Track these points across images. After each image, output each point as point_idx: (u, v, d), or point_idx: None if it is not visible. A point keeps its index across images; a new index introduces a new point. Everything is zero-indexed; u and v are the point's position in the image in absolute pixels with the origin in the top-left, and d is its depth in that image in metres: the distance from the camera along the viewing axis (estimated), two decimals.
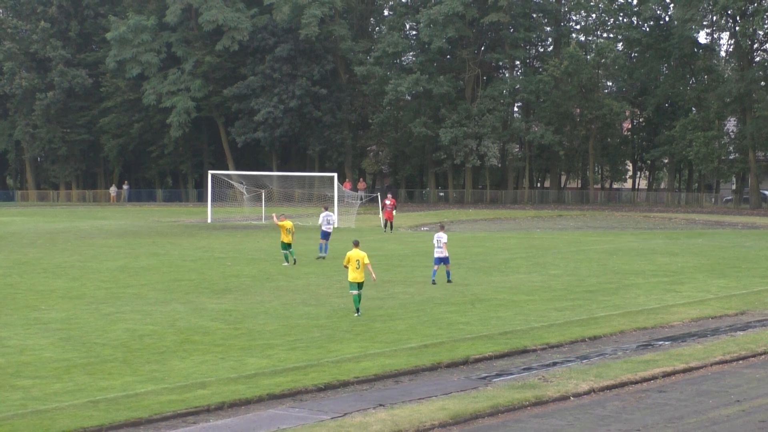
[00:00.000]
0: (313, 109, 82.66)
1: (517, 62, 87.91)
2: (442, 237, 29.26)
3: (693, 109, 79.41)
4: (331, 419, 14.71)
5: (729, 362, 18.92)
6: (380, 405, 15.49)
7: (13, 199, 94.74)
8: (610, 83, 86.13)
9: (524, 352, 19.55)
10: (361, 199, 68.96)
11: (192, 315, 23.50)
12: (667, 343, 20.63)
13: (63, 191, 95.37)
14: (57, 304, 25.36)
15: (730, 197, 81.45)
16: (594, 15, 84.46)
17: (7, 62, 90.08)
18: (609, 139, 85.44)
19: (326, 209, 38.79)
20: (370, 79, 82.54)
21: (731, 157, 77.59)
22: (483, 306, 24.77)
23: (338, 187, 59.77)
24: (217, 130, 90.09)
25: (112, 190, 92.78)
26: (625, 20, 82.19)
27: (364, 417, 14.77)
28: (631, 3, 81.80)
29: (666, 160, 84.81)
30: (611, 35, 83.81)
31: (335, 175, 60.89)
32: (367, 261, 23.52)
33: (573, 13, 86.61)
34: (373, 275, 24.32)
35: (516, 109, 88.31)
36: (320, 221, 37.56)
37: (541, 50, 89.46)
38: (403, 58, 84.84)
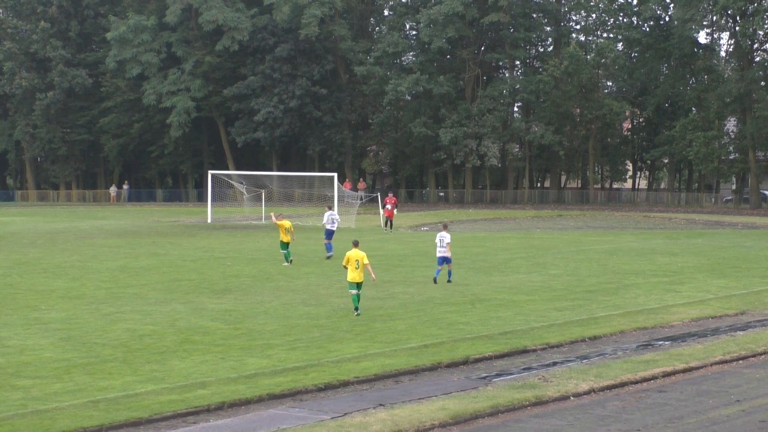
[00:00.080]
0: (313, 109, 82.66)
1: (517, 62, 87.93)
2: (445, 237, 29.25)
3: (693, 109, 79.42)
4: (331, 419, 14.71)
5: (729, 362, 18.92)
6: (380, 405, 15.49)
7: (13, 199, 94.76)
8: (610, 83, 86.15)
9: (524, 352, 19.55)
10: (361, 199, 68.96)
11: (192, 315, 23.51)
12: (667, 343, 20.63)
13: (63, 191, 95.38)
14: (57, 304, 25.36)
15: (730, 197, 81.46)
16: (594, 15, 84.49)
17: (7, 62, 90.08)
18: (609, 139, 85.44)
19: (330, 209, 39.12)
20: (370, 79, 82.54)
21: (731, 157, 77.60)
22: (483, 306, 24.77)
23: (338, 187, 59.80)
24: (217, 130, 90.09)
25: (112, 190, 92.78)
26: (625, 20, 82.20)
27: (364, 417, 14.77)
28: (631, 3, 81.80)
29: (666, 160, 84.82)
30: (611, 35, 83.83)
31: (335, 175, 60.93)
32: (366, 261, 23.53)
33: (573, 13, 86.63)
34: (373, 276, 24.33)
35: (516, 109, 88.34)
36: (325, 220, 37.73)
37: (541, 50, 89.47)
38: (403, 58, 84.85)
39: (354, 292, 23.44)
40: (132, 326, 21.92)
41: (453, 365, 18.35)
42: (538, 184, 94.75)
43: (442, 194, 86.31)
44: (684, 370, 18.09)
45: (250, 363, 18.10)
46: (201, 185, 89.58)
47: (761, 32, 73.01)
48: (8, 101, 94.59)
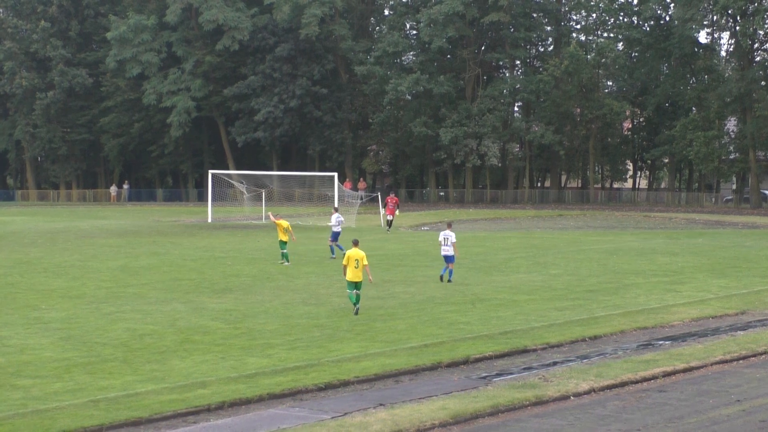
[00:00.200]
0: (313, 108, 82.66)
1: (518, 62, 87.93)
2: (450, 235, 29.26)
3: (693, 108, 79.44)
4: (332, 419, 14.71)
5: (729, 362, 18.90)
6: (380, 404, 15.49)
7: (14, 198, 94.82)
8: (611, 83, 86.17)
9: (524, 351, 19.54)
10: (362, 198, 68.98)
11: (192, 314, 23.50)
12: (667, 342, 20.62)
13: (63, 191, 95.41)
14: (57, 303, 25.35)
15: (730, 197, 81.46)
16: (594, 15, 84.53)
17: (8, 62, 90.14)
18: (609, 139, 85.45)
19: (336, 210, 39.37)
20: (370, 78, 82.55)
21: (731, 156, 77.61)
22: (483, 306, 24.77)
23: (338, 187, 59.80)
24: (217, 130, 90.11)
25: (113, 189, 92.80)
26: (625, 20, 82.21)
27: (364, 416, 14.77)
28: (631, 3, 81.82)
29: (666, 160, 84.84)
30: (611, 35, 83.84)
31: (335, 174, 60.94)
32: (366, 262, 23.52)
33: (573, 12, 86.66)
34: (370, 277, 24.31)
35: (516, 108, 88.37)
36: (333, 222, 37.85)
37: (542, 50, 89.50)
38: (403, 58, 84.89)
39: (351, 291, 23.44)
40: (132, 326, 21.92)
41: (453, 365, 18.34)
42: (539, 184, 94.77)
43: (442, 194, 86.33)
44: (684, 370, 18.08)
45: (251, 362, 18.09)
46: (201, 185, 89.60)
47: (761, 32, 73.02)
48: (8, 101, 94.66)
